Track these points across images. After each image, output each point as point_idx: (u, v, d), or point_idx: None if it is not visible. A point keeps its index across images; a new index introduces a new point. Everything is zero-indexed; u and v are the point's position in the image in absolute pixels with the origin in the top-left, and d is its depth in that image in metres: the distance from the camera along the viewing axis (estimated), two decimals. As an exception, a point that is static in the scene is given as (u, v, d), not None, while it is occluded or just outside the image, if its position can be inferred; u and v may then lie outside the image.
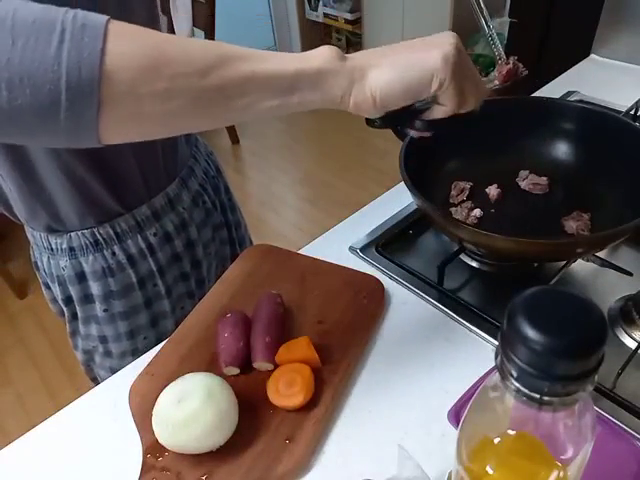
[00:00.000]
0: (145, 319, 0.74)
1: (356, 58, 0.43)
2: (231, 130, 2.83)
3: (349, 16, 3.05)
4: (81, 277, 0.69)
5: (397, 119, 0.48)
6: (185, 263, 0.76)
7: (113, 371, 0.63)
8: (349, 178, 2.54)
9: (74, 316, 0.74)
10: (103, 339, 0.75)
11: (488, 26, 0.63)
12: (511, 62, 0.65)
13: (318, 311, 0.64)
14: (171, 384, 0.52)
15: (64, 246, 0.67)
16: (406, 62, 0.43)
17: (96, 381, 0.83)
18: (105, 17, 0.35)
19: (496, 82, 0.63)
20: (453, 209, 0.71)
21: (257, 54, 0.40)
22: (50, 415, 0.58)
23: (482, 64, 2.36)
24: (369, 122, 0.48)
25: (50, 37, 0.32)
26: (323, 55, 0.42)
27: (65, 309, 0.73)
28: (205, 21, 2.25)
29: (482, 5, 0.62)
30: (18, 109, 0.33)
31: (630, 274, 0.65)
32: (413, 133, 0.51)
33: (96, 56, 0.33)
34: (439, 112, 0.47)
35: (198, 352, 0.60)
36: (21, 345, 1.90)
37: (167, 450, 0.50)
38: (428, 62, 0.43)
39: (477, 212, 0.70)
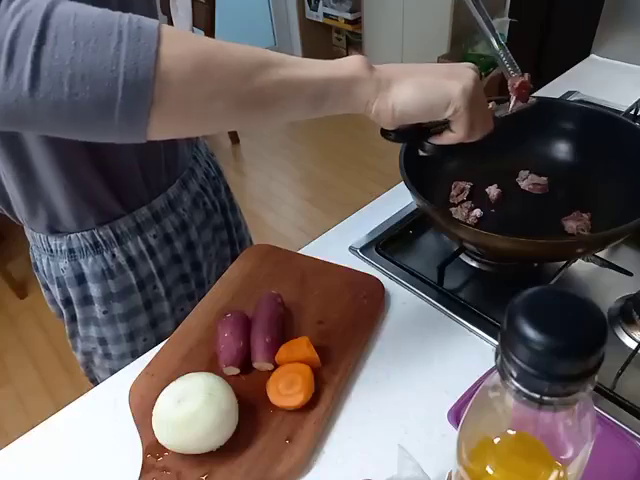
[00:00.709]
0: (145, 321, 0.74)
1: (383, 70, 0.47)
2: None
3: (349, 16, 3.05)
4: (80, 279, 0.69)
5: (410, 136, 0.52)
6: (185, 265, 0.76)
7: (112, 373, 0.63)
8: (349, 178, 2.54)
9: (73, 318, 0.74)
10: (102, 341, 0.75)
11: (499, 43, 0.61)
12: (526, 76, 0.61)
13: (318, 311, 0.64)
14: (171, 384, 0.52)
15: (64, 248, 0.67)
16: (429, 84, 0.47)
17: (95, 382, 0.82)
18: (156, 21, 0.37)
19: (509, 109, 0.61)
20: (453, 209, 0.71)
21: (293, 60, 0.43)
22: (50, 415, 0.58)
23: (482, 64, 2.37)
24: (384, 134, 0.51)
25: (109, 38, 0.35)
26: (355, 63, 0.45)
27: (64, 310, 0.73)
28: (205, 21, 2.25)
29: (491, 23, 0.60)
30: (77, 104, 0.35)
31: (630, 274, 0.65)
32: (422, 154, 0.55)
33: (151, 57, 0.35)
34: (449, 139, 0.51)
35: (198, 352, 0.60)
36: (21, 345, 1.90)
37: (167, 450, 0.50)
38: (449, 89, 0.47)
39: (477, 212, 0.70)
